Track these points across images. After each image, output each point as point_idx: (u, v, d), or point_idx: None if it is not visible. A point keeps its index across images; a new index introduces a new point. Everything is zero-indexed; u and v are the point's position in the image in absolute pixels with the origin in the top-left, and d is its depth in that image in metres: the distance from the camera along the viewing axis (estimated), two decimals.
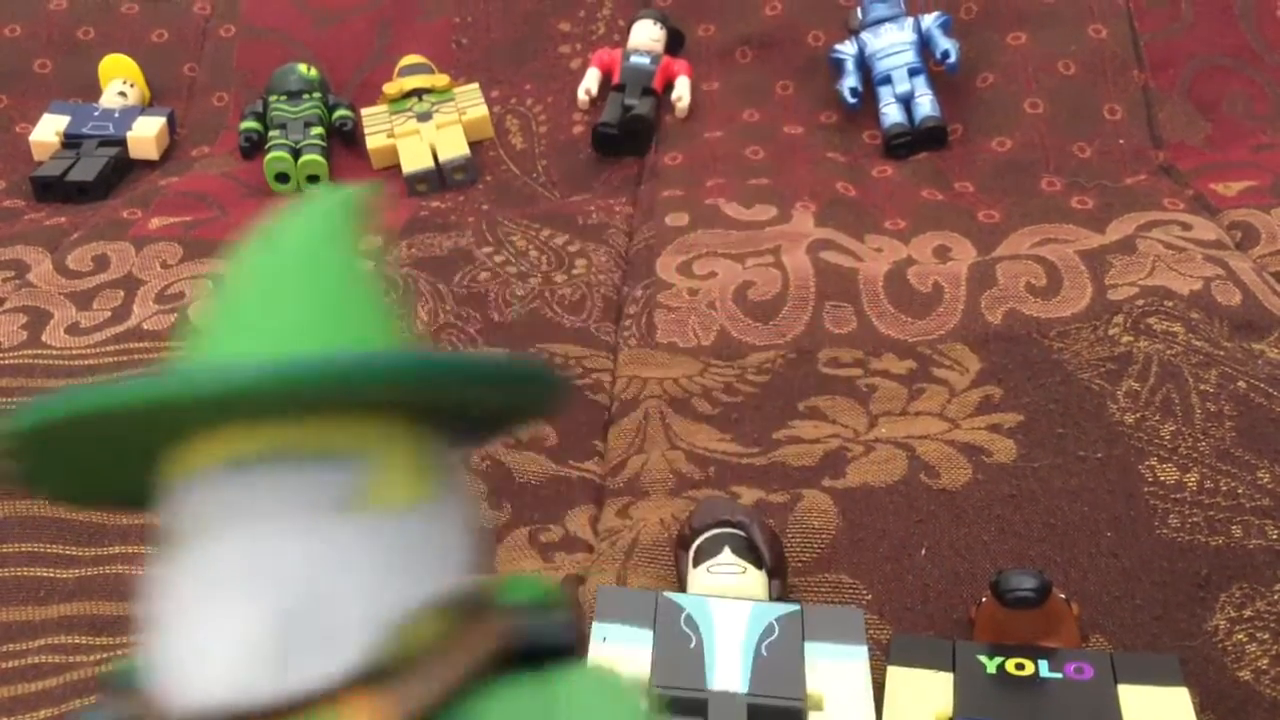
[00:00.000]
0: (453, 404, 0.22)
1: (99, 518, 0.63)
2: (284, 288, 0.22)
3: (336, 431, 0.20)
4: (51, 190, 1.04)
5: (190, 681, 0.19)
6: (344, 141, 1.09)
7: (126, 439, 0.21)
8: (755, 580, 0.52)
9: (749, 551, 0.53)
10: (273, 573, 0.20)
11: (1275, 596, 0.53)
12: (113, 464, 0.22)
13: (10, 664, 0.55)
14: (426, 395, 0.21)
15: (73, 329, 0.82)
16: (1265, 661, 0.50)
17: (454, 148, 1.04)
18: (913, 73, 1.02)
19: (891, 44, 1.04)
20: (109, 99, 1.12)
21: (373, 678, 0.19)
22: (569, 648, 0.22)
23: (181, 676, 0.20)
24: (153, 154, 1.09)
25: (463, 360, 0.21)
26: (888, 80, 1.03)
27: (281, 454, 0.20)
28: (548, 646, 0.22)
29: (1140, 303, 0.73)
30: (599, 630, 0.49)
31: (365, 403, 0.20)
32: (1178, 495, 0.59)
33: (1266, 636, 0.51)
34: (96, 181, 1.04)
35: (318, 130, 1.06)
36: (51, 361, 0.78)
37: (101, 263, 0.91)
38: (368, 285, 0.23)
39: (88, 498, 0.25)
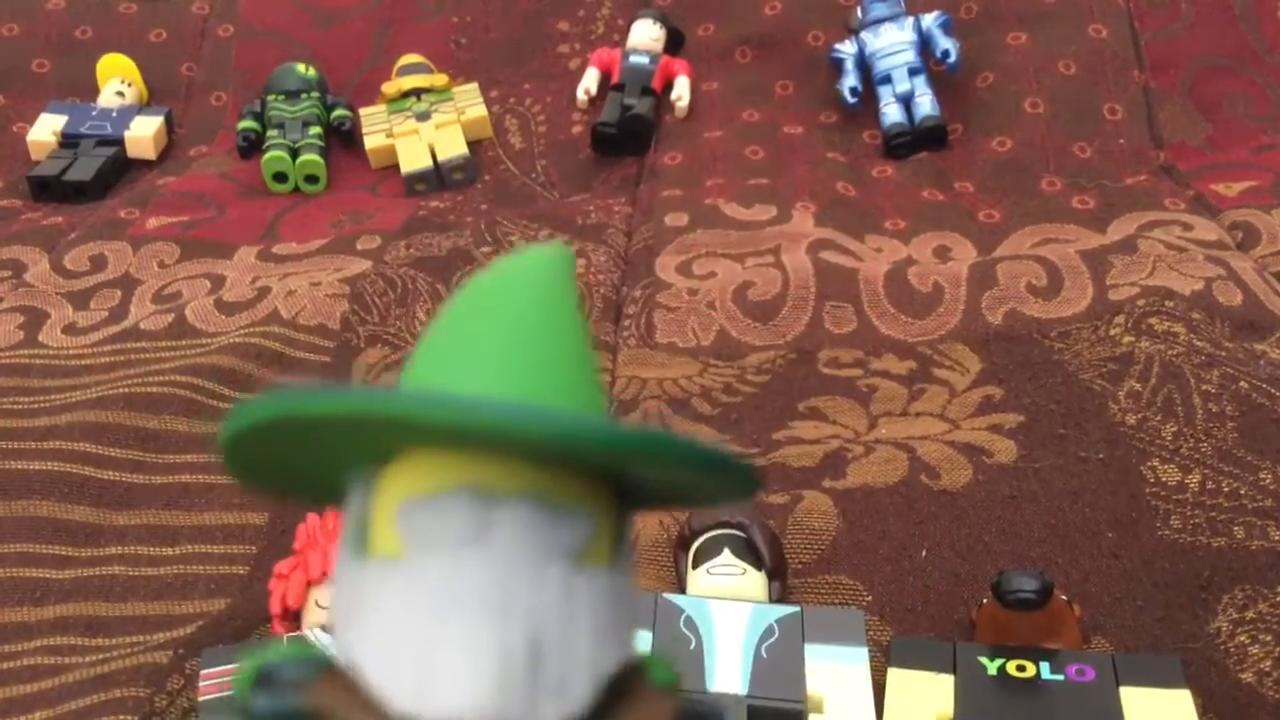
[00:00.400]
0: (663, 480, 0.22)
1: (95, 518, 0.63)
2: (525, 330, 0.22)
3: (571, 485, 0.21)
4: (49, 190, 1.04)
5: (423, 694, 0.20)
6: (342, 141, 1.09)
7: (356, 442, 0.21)
8: (755, 582, 0.52)
9: (749, 553, 0.52)
10: (527, 607, 0.20)
11: (1278, 598, 0.52)
12: (327, 464, 0.22)
13: (6, 665, 0.55)
14: (654, 468, 0.22)
15: (70, 329, 0.82)
16: (1268, 664, 0.50)
17: (453, 147, 1.04)
18: (913, 72, 1.02)
19: (891, 43, 1.03)
20: (107, 98, 1.12)
21: None
22: None
23: (411, 687, 0.20)
24: (150, 153, 1.09)
25: (698, 448, 0.21)
26: (888, 80, 1.02)
27: (527, 496, 0.21)
28: None
29: (1141, 303, 0.73)
30: None
31: (604, 465, 0.21)
32: (1179, 496, 0.58)
33: (1269, 638, 0.51)
34: (94, 181, 1.04)
35: (316, 130, 1.06)
36: (48, 361, 0.78)
37: (99, 262, 0.91)
38: (589, 343, 0.24)
39: (291, 488, 0.25)
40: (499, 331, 0.22)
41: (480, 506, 0.21)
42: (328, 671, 0.22)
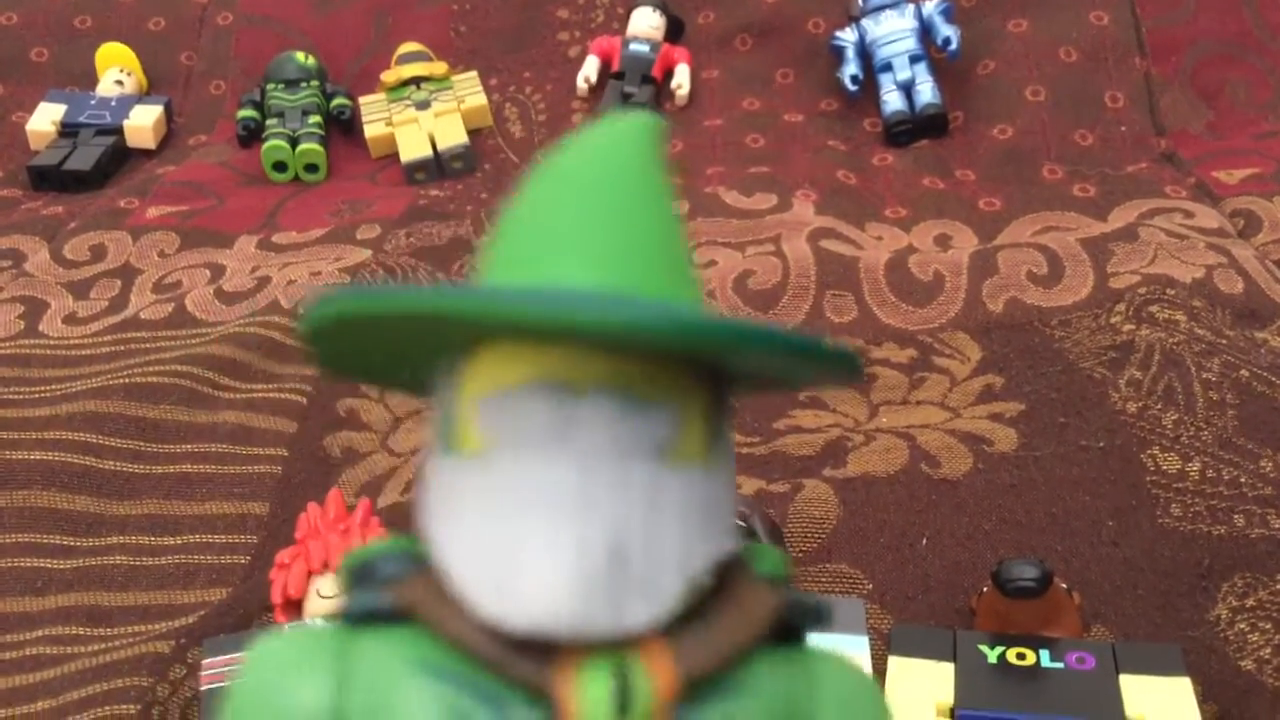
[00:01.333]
0: (755, 368, 0.22)
1: (96, 508, 0.63)
2: (608, 212, 0.21)
3: (658, 377, 0.20)
4: (48, 179, 1.04)
5: (505, 597, 0.20)
6: (342, 130, 1.09)
7: (440, 335, 0.21)
8: None
9: (750, 541, 0.52)
10: (609, 506, 0.20)
11: (1277, 586, 0.52)
12: (414, 355, 0.22)
13: (8, 655, 0.55)
14: (744, 359, 0.21)
15: (70, 318, 0.82)
16: (1268, 651, 0.50)
17: (452, 136, 1.03)
18: (914, 60, 1.02)
19: (892, 31, 1.03)
20: (106, 87, 1.12)
21: (672, 629, 0.20)
22: (817, 627, 0.23)
23: (492, 590, 0.20)
24: (150, 143, 1.09)
25: (792, 337, 0.20)
26: (888, 67, 1.02)
27: (609, 390, 0.20)
28: (800, 624, 0.22)
29: (1142, 291, 0.73)
30: None
31: (695, 355, 0.21)
32: (1180, 484, 0.58)
33: (1269, 626, 0.51)
34: (93, 170, 1.03)
35: (315, 119, 1.06)
36: (49, 351, 0.78)
37: (98, 252, 0.91)
38: (678, 222, 0.23)
39: (374, 378, 0.26)
40: (580, 213, 0.21)
41: (561, 402, 0.20)
42: (421, 570, 0.21)
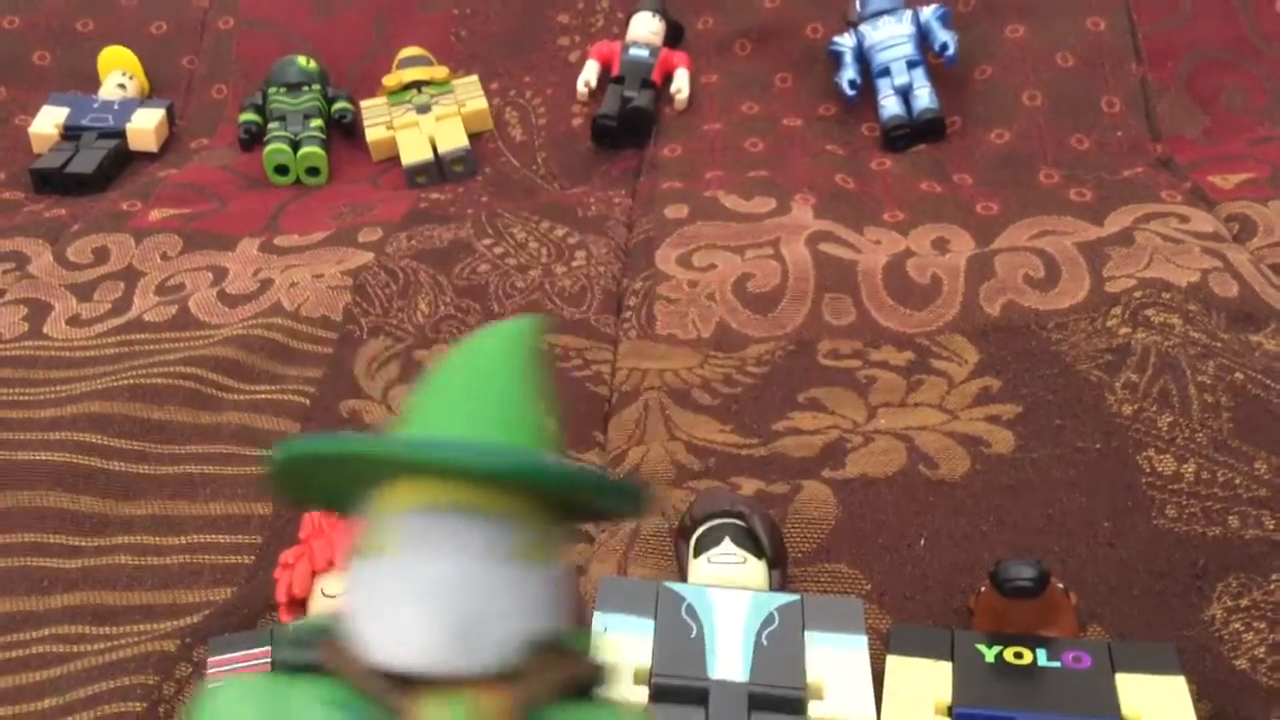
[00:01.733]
0: (577, 501, 0.32)
1: (101, 508, 0.64)
2: (482, 389, 0.32)
3: (503, 500, 0.30)
4: (51, 182, 1.04)
5: (391, 652, 0.28)
6: (343, 134, 1.09)
7: (360, 471, 0.30)
8: (756, 570, 0.52)
9: (749, 541, 0.53)
10: (461, 589, 0.29)
11: (1272, 586, 0.53)
12: (343, 485, 0.31)
13: (14, 654, 0.56)
14: (567, 493, 0.31)
15: (73, 321, 0.82)
16: (1262, 650, 0.50)
17: (453, 140, 1.04)
18: (911, 65, 1.02)
19: (890, 36, 1.04)
20: (108, 91, 1.12)
21: (505, 676, 0.29)
22: (604, 688, 0.32)
23: (382, 647, 0.29)
24: (152, 146, 1.09)
25: (594, 476, 0.33)
26: (886, 72, 1.03)
27: (467, 508, 0.29)
28: (592, 683, 0.31)
29: (1138, 294, 0.74)
30: (600, 620, 0.49)
31: (530, 487, 0.30)
32: (1175, 486, 0.59)
33: (1263, 625, 0.51)
34: (96, 173, 1.04)
35: (317, 122, 1.06)
36: (53, 353, 0.78)
37: (101, 255, 0.91)
38: (538, 397, 0.32)
39: (319, 503, 0.36)
40: (459, 392, 0.32)
41: (441, 518, 0.29)
42: (333, 636, 0.30)
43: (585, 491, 0.31)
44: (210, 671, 0.49)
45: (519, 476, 0.29)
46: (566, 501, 0.31)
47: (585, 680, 0.31)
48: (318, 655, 0.30)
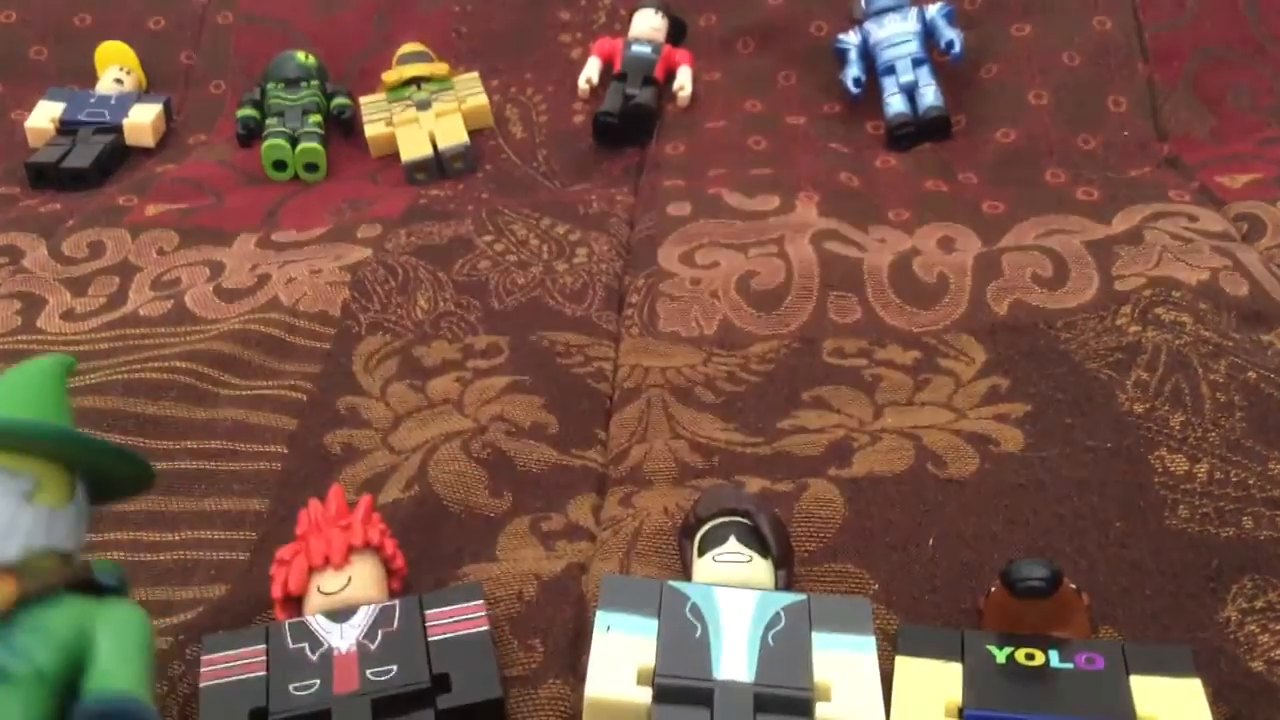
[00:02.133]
0: (80, 462, 0.47)
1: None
2: (11, 385, 0.48)
3: (23, 461, 0.45)
4: (47, 177, 1.03)
5: None
6: (342, 130, 1.08)
7: None
8: (761, 569, 0.51)
9: (755, 540, 0.52)
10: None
11: None
12: None
13: None
14: (64, 451, 0.46)
15: (68, 315, 0.81)
16: (1279, 652, 0.49)
17: (453, 136, 1.03)
18: (916, 63, 1.02)
19: (895, 34, 1.03)
20: (105, 86, 1.11)
21: (15, 568, 0.43)
22: (116, 591, 0.47)
23: None
24: (149, 141, 1.08)
25: (83, 436, 0.48)
26: (891, 70, 1.02)
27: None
28: (104, 585, 0.46)
29: (1148, 293, 0.73)
30: (603, 619, 0.48)
31: (37, 449, 0.45)
32: (1188, 486, 0.58)
33: (1279, 628, 0.50)
34: (92, 168, 1.03)
35: (315, 118, 1.05)
36: (47, 347, 0.77)
37: (97, 249, 0.90)
38: (57, 398, 0.48)
39: None
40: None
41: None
42: None
43: (78, 450, 0.46)
44: (204, 670, 0.48)
45: (21, 436, 0.44)
46: (85, 466, 0.47)
47: (80, 580, 0.45)
48: None
